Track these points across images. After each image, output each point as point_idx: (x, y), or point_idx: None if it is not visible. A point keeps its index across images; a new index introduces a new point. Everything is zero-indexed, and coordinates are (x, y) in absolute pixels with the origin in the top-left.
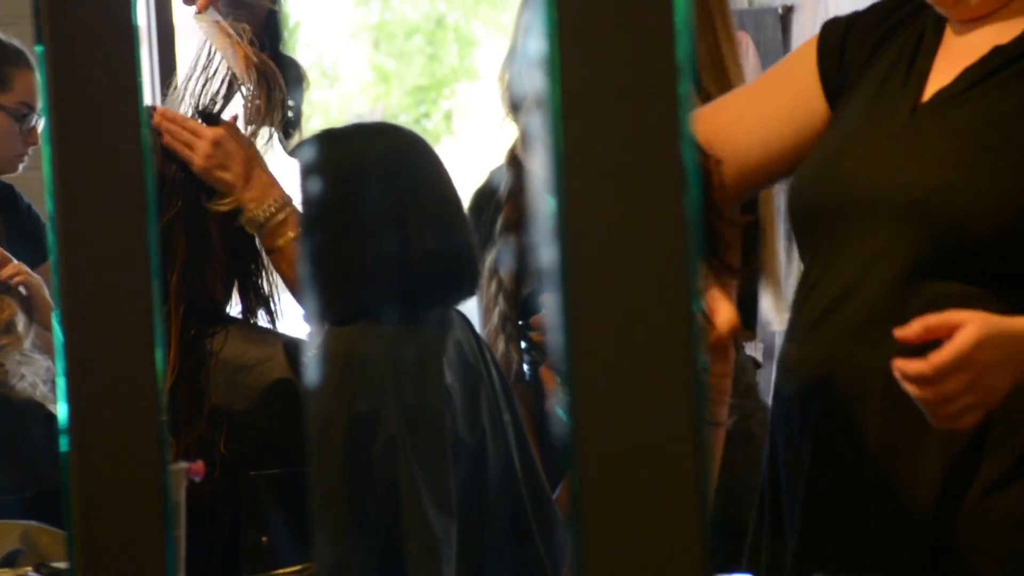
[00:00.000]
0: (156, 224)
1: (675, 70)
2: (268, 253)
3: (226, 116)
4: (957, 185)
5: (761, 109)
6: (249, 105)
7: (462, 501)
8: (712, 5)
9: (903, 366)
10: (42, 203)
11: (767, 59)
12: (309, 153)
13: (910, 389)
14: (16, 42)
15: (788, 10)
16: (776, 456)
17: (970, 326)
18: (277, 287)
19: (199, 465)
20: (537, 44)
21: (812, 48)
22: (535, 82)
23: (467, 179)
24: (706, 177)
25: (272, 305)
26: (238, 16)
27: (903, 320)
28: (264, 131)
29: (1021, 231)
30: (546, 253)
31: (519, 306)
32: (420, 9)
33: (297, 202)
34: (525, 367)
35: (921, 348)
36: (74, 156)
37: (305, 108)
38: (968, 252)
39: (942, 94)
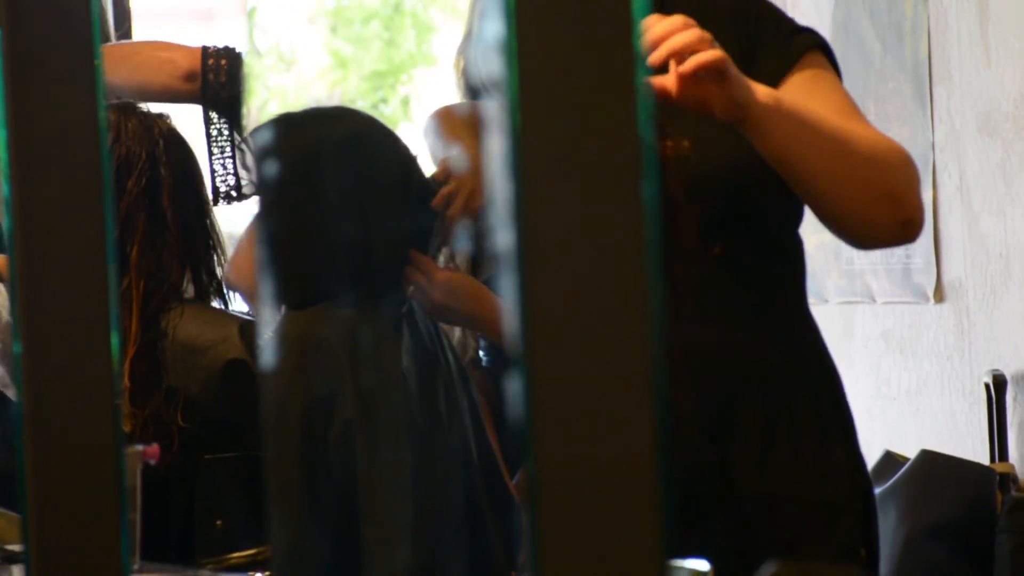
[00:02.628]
0: (113, 207)
1: (634, 53)
2: None
3: None
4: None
5: None
6: None
7: (418, 486)
8: None
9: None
10: None
11: None
12: (267, 137)
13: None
14: None
15: None
16: None
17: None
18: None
19: (154, 448)
20: (492, 28)
21: None
22: (490, 66)
23: (424, 165)
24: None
25: (225, 288)
26: None
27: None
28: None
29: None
30: (503, 237)
31: None
32: None
33: None
34: (481, 353)
35: None
36: (31, 138)
37: (263, 92)
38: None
39: None
